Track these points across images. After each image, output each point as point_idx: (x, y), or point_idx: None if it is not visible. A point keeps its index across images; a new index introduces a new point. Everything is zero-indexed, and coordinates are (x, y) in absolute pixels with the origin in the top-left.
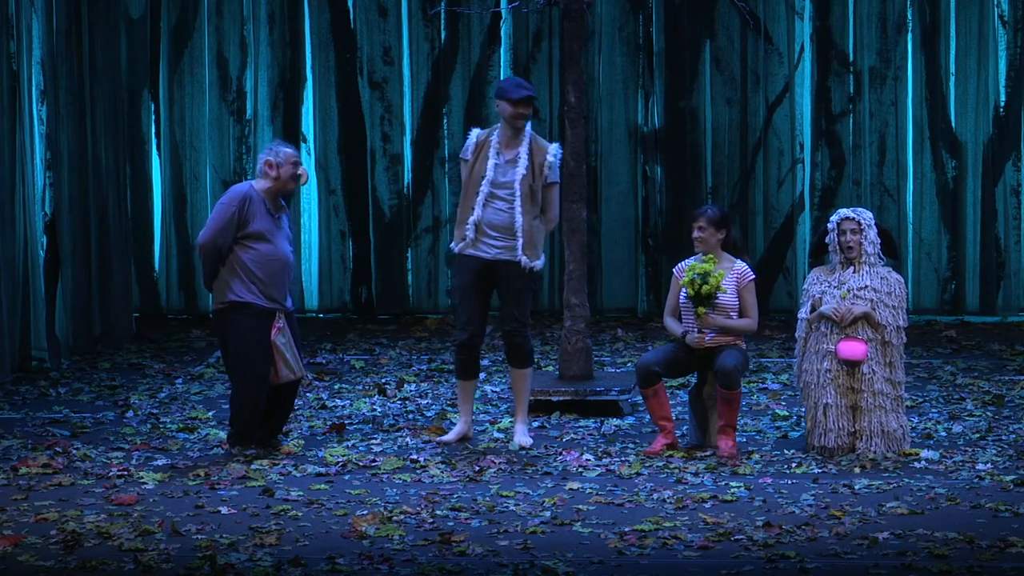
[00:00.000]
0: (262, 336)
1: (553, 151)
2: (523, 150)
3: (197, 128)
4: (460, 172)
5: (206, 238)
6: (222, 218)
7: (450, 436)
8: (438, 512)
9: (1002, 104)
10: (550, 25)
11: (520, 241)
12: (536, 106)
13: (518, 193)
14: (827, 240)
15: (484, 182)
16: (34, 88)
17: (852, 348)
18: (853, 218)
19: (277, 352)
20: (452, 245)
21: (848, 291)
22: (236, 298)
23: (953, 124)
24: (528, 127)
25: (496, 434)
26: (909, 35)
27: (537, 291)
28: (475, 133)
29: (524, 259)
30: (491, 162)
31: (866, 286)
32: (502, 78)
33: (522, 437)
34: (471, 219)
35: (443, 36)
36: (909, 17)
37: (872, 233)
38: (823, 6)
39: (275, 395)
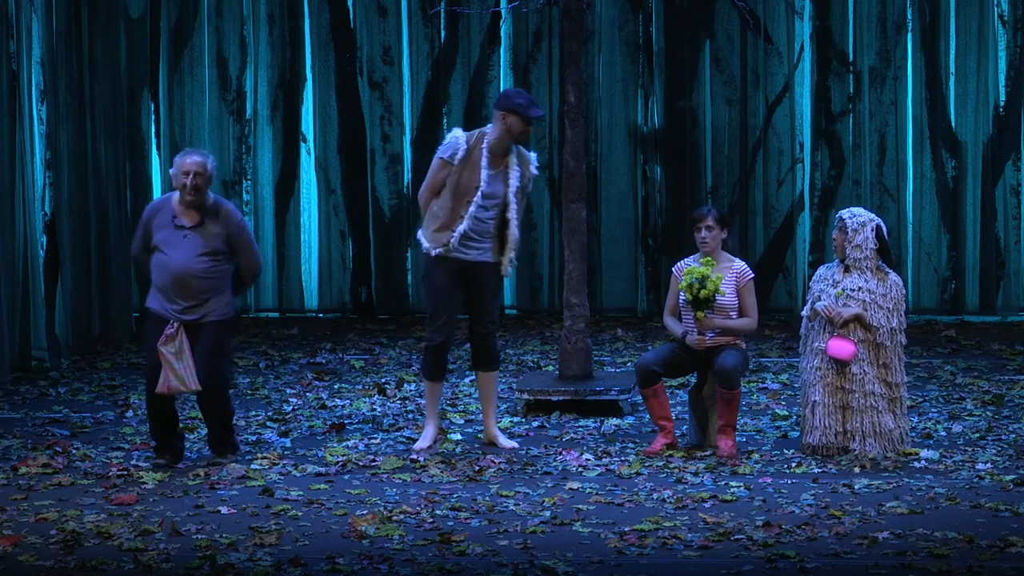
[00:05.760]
0: (152, 342)
1: (534, 160)
2: (514, 159)
3: (197, 128)
4: (434, 168)
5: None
6: (138, 228)
7: (425, 442)
8: (438, 512)
9: (1002, 104)
10: (550, 25)
11: (512, 253)
12: None
13: (514, 204)
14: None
15: (478, 193)
16: (34, 88)
17: (840, 347)
18: (841, 217)
19: (163, 360)
20: (429, 248)
21: (843, 291)
22: (147, 304)
23: (953, 124)
24: None
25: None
26: (909, 35)
27: (537, 291)
28: (461, 137)
29: (509, 269)
30: (485, 172)
31: (859, 287)
32: (510, 87)
33: (507, 440)
34: (459, 228)
35: (443, 36)
36: (909, 17)
37: (860, 237)
38: (823, 6)
39: (200, 406)
